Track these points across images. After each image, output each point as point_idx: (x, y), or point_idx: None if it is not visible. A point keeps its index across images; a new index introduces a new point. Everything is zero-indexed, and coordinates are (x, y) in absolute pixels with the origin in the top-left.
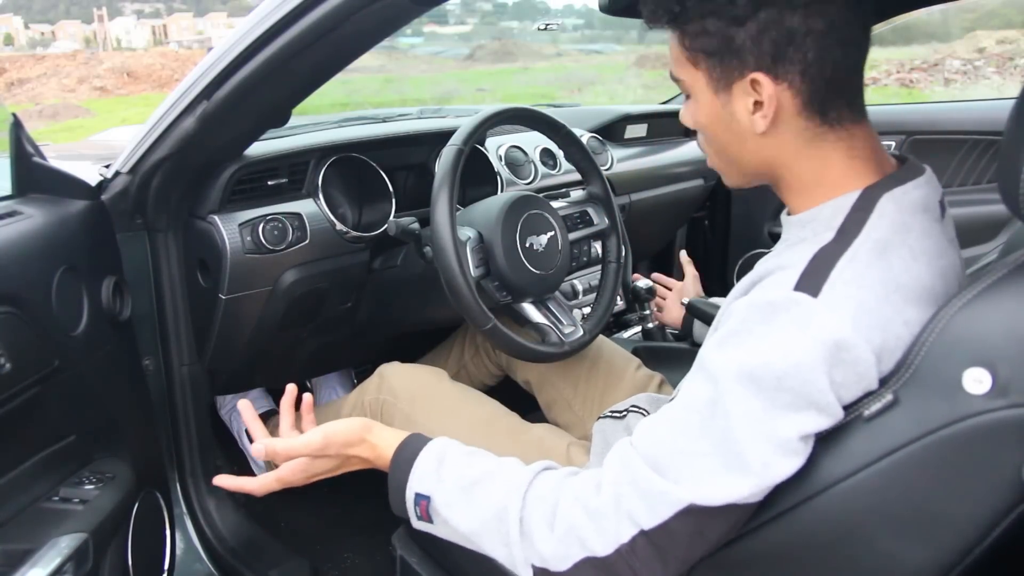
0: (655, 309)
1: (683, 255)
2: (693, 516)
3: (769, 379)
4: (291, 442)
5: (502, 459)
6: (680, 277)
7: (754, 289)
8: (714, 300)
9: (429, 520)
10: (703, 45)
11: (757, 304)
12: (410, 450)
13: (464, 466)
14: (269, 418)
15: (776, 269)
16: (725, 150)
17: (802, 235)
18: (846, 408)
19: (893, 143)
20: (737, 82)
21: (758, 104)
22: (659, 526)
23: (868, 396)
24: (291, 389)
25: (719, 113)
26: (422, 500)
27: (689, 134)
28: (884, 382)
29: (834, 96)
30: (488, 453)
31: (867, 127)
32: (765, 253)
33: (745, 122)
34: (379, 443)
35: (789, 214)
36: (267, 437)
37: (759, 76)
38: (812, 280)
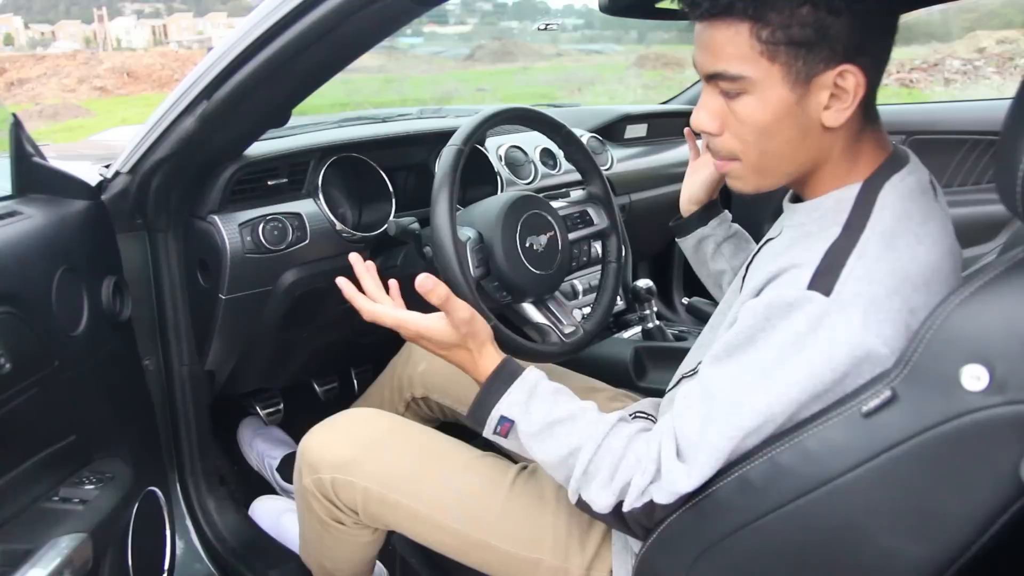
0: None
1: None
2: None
3: (782, 375)
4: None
5: (584, 403)
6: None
7: (768, 287)
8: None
9: (504, 437)
10: (792, 35)
11: (776, 304)
12: (506, 374)
13: (551, 404)
14: (290, 461)
15: (789, 267)
16: (781, 148)
17: (808, 228)
18: (845, 401)
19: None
20: (820, 75)
21: (832, 97)
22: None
23: (867, 393)
24: (355, 257)
25: (791, 108)
26: (506, 422)
27: None
28: (883, 378)
29: (876, 91)
30: (571, 395)
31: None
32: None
33: (816, 116)
34: (483, 356)
35: (795, 200)
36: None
37: (849, 67)
38: (825, 279)
